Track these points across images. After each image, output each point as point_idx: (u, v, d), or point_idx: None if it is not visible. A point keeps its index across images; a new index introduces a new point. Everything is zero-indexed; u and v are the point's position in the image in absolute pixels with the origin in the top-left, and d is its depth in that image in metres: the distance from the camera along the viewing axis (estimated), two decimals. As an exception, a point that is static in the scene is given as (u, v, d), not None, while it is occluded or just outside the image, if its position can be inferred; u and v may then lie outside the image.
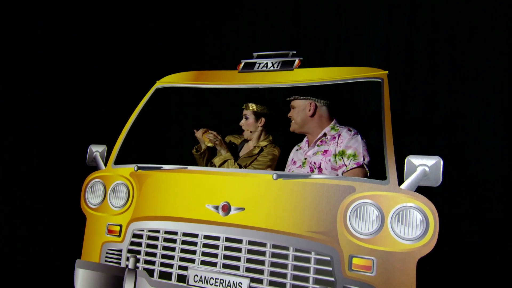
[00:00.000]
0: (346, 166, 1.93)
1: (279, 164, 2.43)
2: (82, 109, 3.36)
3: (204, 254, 1.70)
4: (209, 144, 2.41)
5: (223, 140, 2.50)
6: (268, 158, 2.40)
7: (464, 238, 2.49)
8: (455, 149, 2.62)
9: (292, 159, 2.22)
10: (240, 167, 2.36)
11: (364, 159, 1.93)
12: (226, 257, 1.66)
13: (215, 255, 1.68)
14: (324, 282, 1.52)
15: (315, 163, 2.02)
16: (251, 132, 2.50)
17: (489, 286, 2.37)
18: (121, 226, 1.88)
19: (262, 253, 1.61)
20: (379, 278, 1.47)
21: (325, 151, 2.02)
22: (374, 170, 1.97)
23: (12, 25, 2.99)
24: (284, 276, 1.57)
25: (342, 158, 1.96)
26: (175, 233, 1.76)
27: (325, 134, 2.09)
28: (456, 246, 2.43)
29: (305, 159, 2.09)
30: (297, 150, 2.25)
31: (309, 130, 2.14)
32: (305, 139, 2.20)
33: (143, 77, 2.72)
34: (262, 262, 1.60)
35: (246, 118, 2.50)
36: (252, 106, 2.48)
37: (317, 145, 2.08)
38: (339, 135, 2.02)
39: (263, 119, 2.48)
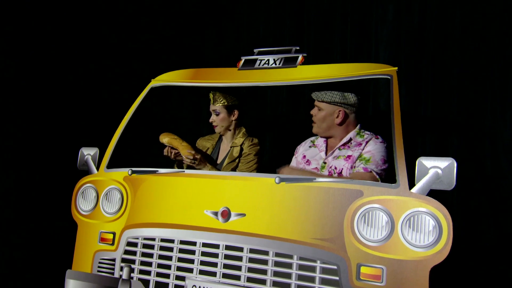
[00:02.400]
0: (353, 167, 1.93)
1: (271, 158, 2.43)
2: (72, 110, 3.37)
3: (202, 263, 1.70)
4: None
5: (195, 146, 2.43)
6: (252, 154, 2.36)
7: (479, 245, 2.49)
8: (470, 150, 2.62)
9: (304, 156, 2.17)
10: None
11: (376, 167, 1.92)
12: (226, 266, 1.66)
13: (215, 264, 1.68)
14: (330, 293, 1.52)
15: (335, 168, 2.00)
16: (225, 128, 2.43)
17: (507, 296, 2.36)
18: (114, 233, 1.89)
19: (264, 262, 1.61)
20: (389, 288, 1.47)
21: (348, 157, 1.99)
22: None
23: (1, 25, 3.01)
24: (287, 286, 1.57)
25: (357, 161, 1.96)
26: (172, 241, 1.76)
27: (350, 140, 2.06)
28: (471, 253, 2.42)
29: (325, 163, 2.07)
30: (310, 146, 2.20)
31: (334, 135, 2.11)
32: (323, 139, 2.16)
33: (137, 75, 2.73)
34: (264, 272, 1.60)
35: (217, 114, 2.40)
36: (221, 99, 2.40)
37: (339, 149, 2.06)
38: (366, 142, 2.01)
39: (236, 112, 2.43)
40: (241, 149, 2.39)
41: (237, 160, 2.37)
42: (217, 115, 2.41)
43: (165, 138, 2.36)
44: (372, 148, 1.97)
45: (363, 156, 1.96)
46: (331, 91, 2.04)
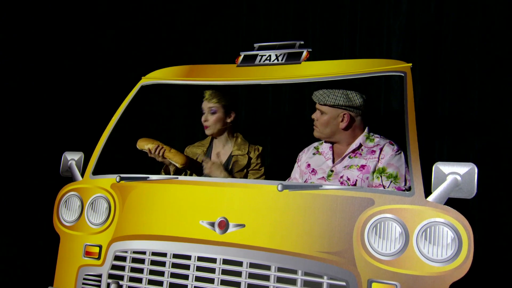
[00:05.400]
0: (384, 187, 1.94)
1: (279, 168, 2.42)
2: (55, 110, 3.37)
3: (198, 279, 1.70)
4: (179, 165, 2.26)
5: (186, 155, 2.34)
6: (260, 164, 2.38)
7: (503, 259, 2.48)
8: (492, 154, 2.62)
9: (308, 164, 2.17)
10: None
11: (405, 183, 1.93)
12: (223, 282, 1.66)
13: (211, 280, 1.68)
14: (338, 312, 1.51)
15: (348, 179, 2.00)
16: (218, 131, 2.39)
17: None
18: (100, 247, 1.89)
19: (266, 278, 1.60)
20: (404, 306, 1.46)
21: (363, 166, 2.00)
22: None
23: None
24: (291, 304, 1.56)
25: (381, 176, 1.96)
26: (164, 255, 1.76)
27: (360, 146, 2.06)
28: (494, 268, 2.42)
29: (332, 171, 2.07)
30: (314, 154, 2.21)
31: (339, 140, 2.11)
32: (328, 144, 2.16)
33: (126, 73, 2.74)
34: (265, 289, 1.60)
35: (213, 112, 2.36)
36: (219, 97, 2.36)
37: (349, 157, 2.06)
38: (381, 149, 2.01)
39: (233, 114, 2.41)
40: (249, 158, 2.38)
41: (245, 170, 2.36)
42: (213, 113, 2.36)
43: (147, 145, 2.28)
44: (393, 161, 1.97)
45: (386, 170, 1.96)
46: (334, 92, 2.04)
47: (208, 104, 2.38)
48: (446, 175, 1.53)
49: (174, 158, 2.26)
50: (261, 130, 3.27)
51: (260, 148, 2.43)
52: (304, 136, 2.29)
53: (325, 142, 2.17)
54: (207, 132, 2.41)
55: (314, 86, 2.14)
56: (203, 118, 2.39)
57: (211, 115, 2.37)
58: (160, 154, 2.26)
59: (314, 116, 2.12)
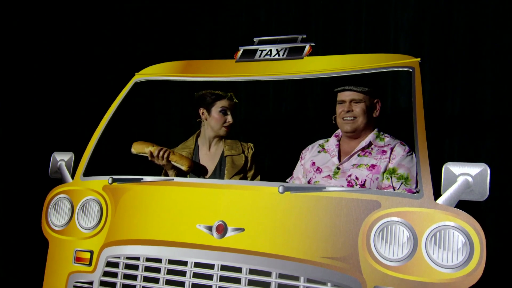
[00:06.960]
0: (394, 189, 1.94)
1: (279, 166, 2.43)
2: (44, 109, 3.37)
3: (194, 286, 1.70)
4: (184, 168, 2.22)
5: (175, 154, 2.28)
6: (253, 163, 2.38)
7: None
8: (505, 154, 2.62)
9: (313, 162, 2.18)
10: None
11: (417, 185, 1.94)
12: (221, 290, 1.66)
13: (208, 288, 1.68)
14: (343, 321, 1.51)
15: (357, 178, 2.01)
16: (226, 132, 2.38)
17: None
18: (92, 252, 1.89)
19: (267, 285, 1.60)
20: (412, 315, 1.46)
21: (373, 166, 2.01)
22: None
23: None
24: (293, 313, 1.56)
25: (391, 177, 1.97)
26: (159, 261, 1.76)
27: (370, 144, 2.07)
28: (508, 274, 2.42)
29: (338, 168, 2.08)
30: (319, 151, 2.21)
31: (355, 136, 2.11)
32: (335, 141, 2.17)
33: (119, 69, 2.74)
34: (266, 296, 1.60)
35: (227, 114, 2.34)
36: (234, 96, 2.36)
37: (358, 155, 2.07)
38: (391, 149, 2.02)
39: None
40: (246, 158, 2.38)
41: (243, 171, 2.36)
42: (228, 115, 2.33)
43: (147, 147, 2.22)
44: (404, 162, 1.99)
45: (397, 171, 1.97)
46: (360, 78, 2.02)
47: (229, 104, 2.36)
48: (456, 176, 1.53)
49: (180, 161, 2.22)
50: (261, 128, 3.27)
51: (252, 146, 2.42)
52: (306, 134, 2.29)
53: (348, 137, 2.15)
54: (218, 133, 2.38)
55: (317, 82, 2.14)
56: (229, 120, 2.35)
57: (230, 117, 2.37)
58: (165, 156, 2.20)
59: (346, 108, 2.08)
